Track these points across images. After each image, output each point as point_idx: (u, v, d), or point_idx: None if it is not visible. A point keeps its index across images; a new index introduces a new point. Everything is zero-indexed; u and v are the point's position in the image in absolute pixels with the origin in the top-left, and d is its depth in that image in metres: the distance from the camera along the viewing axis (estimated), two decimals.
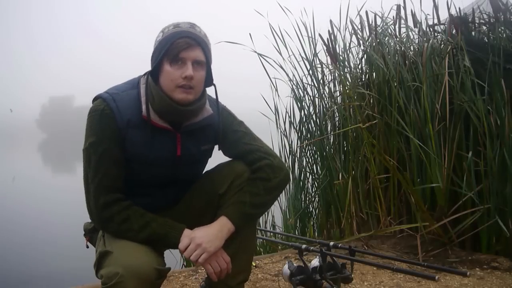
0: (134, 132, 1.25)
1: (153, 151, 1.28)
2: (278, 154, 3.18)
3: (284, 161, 3.22)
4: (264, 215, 3.12)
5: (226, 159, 1.45)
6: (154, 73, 1.27)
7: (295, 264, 1.62)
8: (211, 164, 1.45)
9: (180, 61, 1.22)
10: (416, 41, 3.06)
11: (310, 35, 3.16)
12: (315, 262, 1.63)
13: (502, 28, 2.72)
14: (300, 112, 3.23)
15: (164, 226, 1.25)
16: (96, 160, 1.23)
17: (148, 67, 1.29)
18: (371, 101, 2.92)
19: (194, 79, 1.23)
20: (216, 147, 1.44)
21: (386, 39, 3.06)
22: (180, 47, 1.21)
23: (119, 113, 1.23)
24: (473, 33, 2.82)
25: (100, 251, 1.21)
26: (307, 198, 3.27)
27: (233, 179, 1.34)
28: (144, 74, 1.30)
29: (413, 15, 2.98)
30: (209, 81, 1.32)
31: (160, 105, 1.24)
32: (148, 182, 1.34)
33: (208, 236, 1.24)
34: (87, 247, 1.45)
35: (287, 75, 3.19)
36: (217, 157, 1.46)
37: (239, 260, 1.34)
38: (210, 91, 1.38)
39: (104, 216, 1.24)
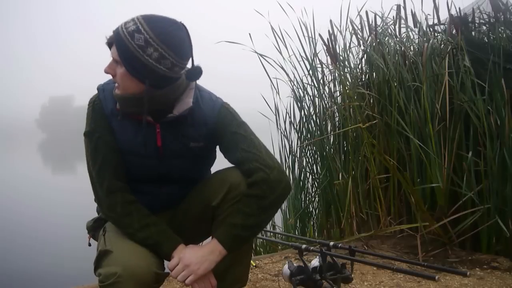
0: (116, 121, 1.29)
1: (134, 140, 1.28)
2: (278, 155, 3.20)
3: (284, 161, 3.23)
4: None
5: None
6: None
7: (295, 264, 1.62)
8: (219, 165, 1.42)
9: None
10: (416, 41, 3.06)
11: (310, 35, 3.16)
12: (315, 262, 1.63)
13: (502, 28, 2.72)
14: (300, 112, 3.23)
15: (162, 234, 1.24)
16: (92, 148, 1.29)
17: None
18: (371, 101, 2.92)
19: (116, 76, 1.23)
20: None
21: (386, 39, 3.06)
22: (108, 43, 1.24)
23: (105, 102, 1.29)
24: (473, 33, 2.82)
25: (101, 250, 1.21)
26: (307, 198, 3.27)
27: (228, 190, 1.28)
28: None
29: (413, 15, 2.98)
30: (140, 79, 1.20)
31: None
32: (141, 176, 1.33)
33: (197, 258, 1.21)
34: (90, 245, 1.46)
35: (287, 75, 3.19)
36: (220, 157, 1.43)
37: (234, 271, 1.33)
38: (212, 89, 1.38)
39: (110, 202, 1.27)
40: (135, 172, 1.33)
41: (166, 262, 1.29)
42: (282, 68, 3.15)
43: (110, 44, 1.23)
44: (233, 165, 1.34)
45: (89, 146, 1.29)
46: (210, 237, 1.35)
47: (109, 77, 1.28)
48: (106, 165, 1.27)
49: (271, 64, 3.12)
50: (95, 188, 1.30)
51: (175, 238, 1.26)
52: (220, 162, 1.42)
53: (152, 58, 1.17)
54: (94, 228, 1.42)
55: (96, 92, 1.34)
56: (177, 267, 1.21)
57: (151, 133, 1.29)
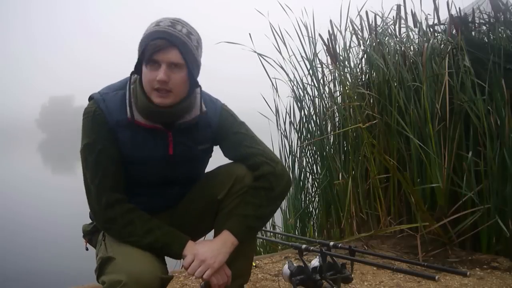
0: (123, 133, 1.25)
1: (144, 151, 1.27)
2: (278, 155, 3.20)
3: (284, 161, 3.23)
4: None
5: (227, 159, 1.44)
6: (139, 72, 1.25)
7: (295, 264, 1.62)
8: (213, 164, 1.44)
9: (156, 63, 1.18)
10: (416, 41, 3.06)
11: (310, 35, 3.16)
12: (315, 262, 1.63)
13: (502, 28, 2.73)
14: (300, 112, 3.23)
15: (169, 235, 1.23)
16: (93, 161, 1.23)
17: None
18: (371, 101, 2.92)
19: (171, 82, 1.18)
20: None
21: (386, 39, 3.06)
22: (154, 49, 1.17)
23: (109, 113, 1.23)
24: (473, 33, 2.83)
25: (102, 256, 1.20)
26: (307, 198, 3.27)
27: (233, 183, 1.31)
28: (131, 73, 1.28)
29: (413, 15, 2.98)
30: (193, 82, 1.26)
31: (142, 106, 1.23)
32: (146, 182, 1.33)
33: (211, 252, 1.22)
34: (87, 249, 1.44)
35: (287, 75, 3.19)
36: (219, 157, 1.44)
37: (238, 264, 1.32)
38: (208, 89, 1.38)
39: (108, 216, 1.23)
40: (141, 179, 1.32)
41: (167, 260, 1.29)
42: (282, 68, 3.16)
43: (161, 49, 1.17)
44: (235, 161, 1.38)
45: (89, 159, 1.24)
46: (212, 231, 1.37)
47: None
48: (106, 179, 1.23)
49: (271, 64, 3.13)
50: (91, 202, 1.26)
51: (182, 236, 1.25)
52: (217, 161, 1.44)
53: (200, 57, 1.24)
54: (92, 232, 1.39)
55: (91, 100, 1.27)
56: (193, 263, 1.20)
57: (162, 142, 1.28)
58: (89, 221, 1.44)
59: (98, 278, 1.20)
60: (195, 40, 1.22)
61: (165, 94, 1.19)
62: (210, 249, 1.23)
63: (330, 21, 3.08)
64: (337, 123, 3.15)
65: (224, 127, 1.35)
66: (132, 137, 1.25)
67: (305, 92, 3.20)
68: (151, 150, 1.28)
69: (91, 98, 1.28)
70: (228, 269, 1.27)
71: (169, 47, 1.17)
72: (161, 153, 1.29)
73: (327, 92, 3.20)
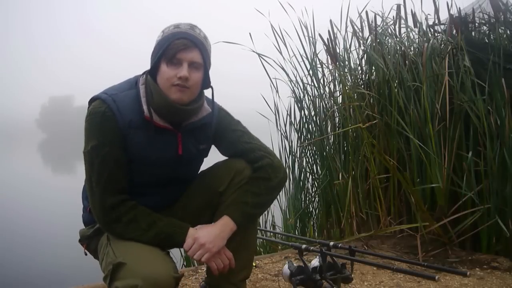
0: (135, 133, 1.25)
1: (155, 151, 1.28)
2: (278, 155, 3.20)
3: (284, 162, 3.23)
4: (264, 215, 3.12)
5: (223, 158, 1.46)
6: (153, 72, 1.27)
7: (295, 264, 1.62)
8: (207, 164, 1.47)
9: (177, 62, 1.23)
10: (416, 41, 3.06)
11: (310, 35, 3.16)
12: (315, 262, 1.63)
13: (502, 28, 2.72)
14: (300, 112, 3.23)
15: (170, 225, 1.26)
16: (99, 163, 1.23)
17: (147, 66, 1.29)
18: (371, 101, 2.92)
19: (190, 80, 1.23)
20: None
21: (386, 39, 3.06)
22: (177, 48, 1.22)
23: (120, 114, 1.23)
24: (473, 33, 2.82)
25: (112, 262, 1.19)
26: (307, 198, 3.27)
27: (233, 176, 1.35)
28: (143, 74, 1.30)
29: (413, 15, 2.99)
30: (206, 83, 1.33)
31: (159, 104, 1.25)
32: (149, 182, 1.34)
33: (210, 236, 1.25)
34: (86, 254, 1.44)
35: (287, 75, 3.19)
36: (214, 157, 1.47)
37: (240, 257, 1.35)
38: (207, 92, 1.40)
39: (112, 217, 1.24)
40: (147, 178, 1.33)
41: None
42: (282, 68, 3.16)
43: (184, 48, 1.23)
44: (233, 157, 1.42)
45: (96, 161, 1.23)
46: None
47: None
48: (111, 182, 1.24)
49: (270, 65, 3.13)
50: (95, 204, 1.25)
51: (183, 224, 1.29)
52: (212, 162, 1.47)
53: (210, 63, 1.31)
54: (91, 237, 1.39)
55: (96, 100, 1.25)
56: (193, 246, 1.24)
57: (172, 143, 1.31)
58: (82, 225, 1.44)
59: (110, 285, 1.19)
60: (209, 45, 1.30)
61: (184, 90, 1.24)
62: (209, 234, 1.26)
63: (330, 21, 3.08)
64: (337, 123, 3.15)
65: (223, 126, 1.40)
66: (145, 137, 1.26)
67: (305, 92, 3.20)
68: (162, 150, 1.29)
69: (94, 99, 1.26)
70: (229, 252, 1.30)
71: (192, 47, 1.23)
72: (171, 154, 1.31)
73: (327, 92, 3.20)
